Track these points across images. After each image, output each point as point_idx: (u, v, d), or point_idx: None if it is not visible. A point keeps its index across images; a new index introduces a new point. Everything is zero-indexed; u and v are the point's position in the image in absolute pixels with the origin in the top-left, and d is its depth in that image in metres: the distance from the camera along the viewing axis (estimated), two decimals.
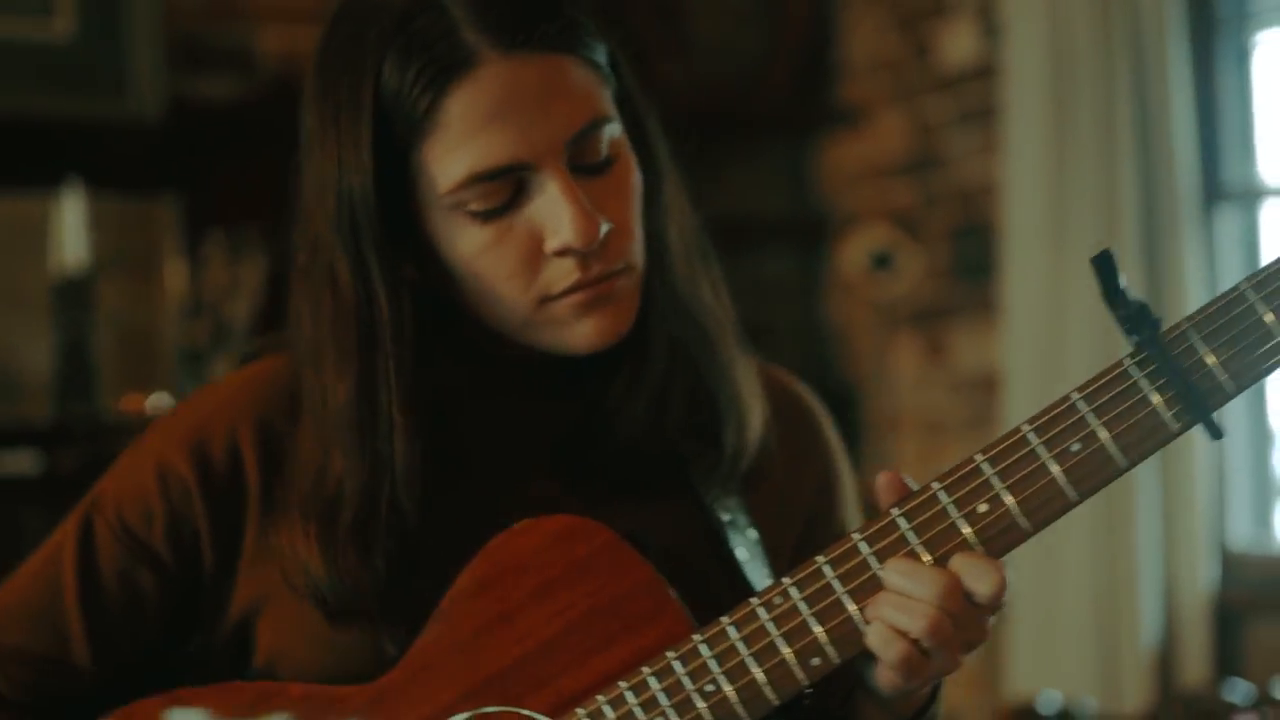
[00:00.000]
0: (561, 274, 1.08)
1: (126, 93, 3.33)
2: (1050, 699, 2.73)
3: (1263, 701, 2.61)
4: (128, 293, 3.41)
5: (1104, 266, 0.97)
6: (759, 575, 1.15)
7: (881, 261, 3.74)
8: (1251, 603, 3.11)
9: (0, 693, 1.14)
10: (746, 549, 1.15)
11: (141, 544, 1.14)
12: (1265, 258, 3.13)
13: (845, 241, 3.86)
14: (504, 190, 1.07)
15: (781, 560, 1.16)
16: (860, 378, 4.11)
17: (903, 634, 0.98)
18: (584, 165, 1.08)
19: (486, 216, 1.08)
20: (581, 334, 1.10)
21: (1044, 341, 3.28)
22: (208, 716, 1.10)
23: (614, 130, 1.10)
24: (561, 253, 1.08)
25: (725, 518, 1.16)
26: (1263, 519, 3.21)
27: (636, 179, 1.12)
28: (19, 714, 1.13)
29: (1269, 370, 0.97)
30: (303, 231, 1.13)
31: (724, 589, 1.11)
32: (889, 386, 4.05)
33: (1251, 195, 3.21)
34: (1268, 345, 0.96)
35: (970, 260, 3.74)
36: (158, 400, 3.14)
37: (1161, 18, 3.08)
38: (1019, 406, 3.34)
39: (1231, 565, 3.16)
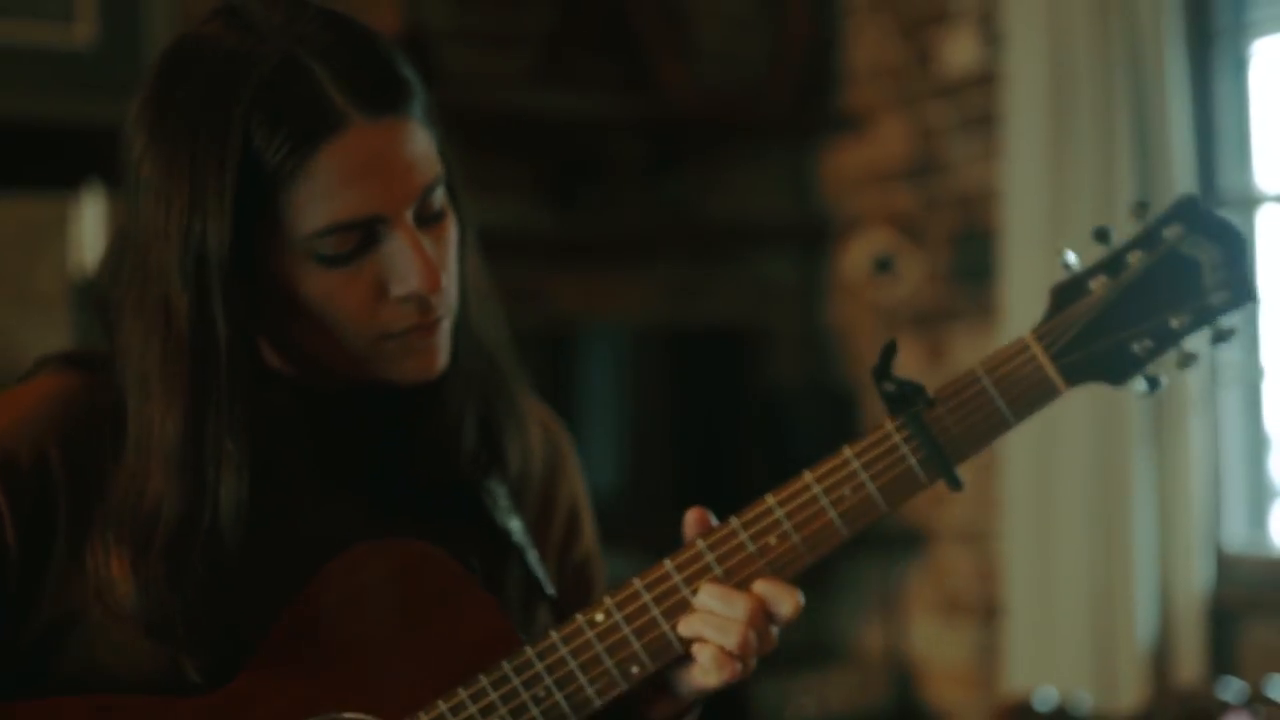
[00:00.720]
0: (401, 316, 1.17)
1: None
2: (1046, 696, 2.78)
3: (1255, 700, 2.65)
4: None
5: (885, 354, 1.18)
6: (548, 587, 1.28)
7: (883, 266, 3.78)
8: (1246, 603, 3.14)
9: None
10: (535, 564, 1.28)
11: None
12: (1262, 263, 3.18)
13: (847, 246, 3.90)
14: (355, 239, 1.15)
15: (547, 577, 1.31)
16: (861, 380, 4.14)
17: (719, 647, 1.14)
18: (424, 217, 1.17)
19: (335, 262, 1.15)
20: (409, 370, 1.20)
21: None
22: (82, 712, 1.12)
23: (443, 182, 1.19)
24: (406, 298, 1.16)
25: (516, 540, 1.27)
26: (1258, 521, 3.24)
27: (455, 228, 1.22)
28: None
29: (996, 436, 1.18)
30: (134, 264, 1.16)
31: (523, 597, 1.25)
32: None
33: (1248, 202, 3.25)
34: (996, 420, 1.17)
35: (970, 265, 3.77)
36: None
37: (1160, 27, 3.11)
38: None
39: (1226, 566, 3.19)
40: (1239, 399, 3.24)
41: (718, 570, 1.16)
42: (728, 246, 4.24)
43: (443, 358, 1.21)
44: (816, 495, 1.17)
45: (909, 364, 3.98)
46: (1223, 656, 3.15)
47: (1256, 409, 3.25)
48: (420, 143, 1.16)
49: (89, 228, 3.18)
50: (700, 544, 1.17)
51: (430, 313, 1.18)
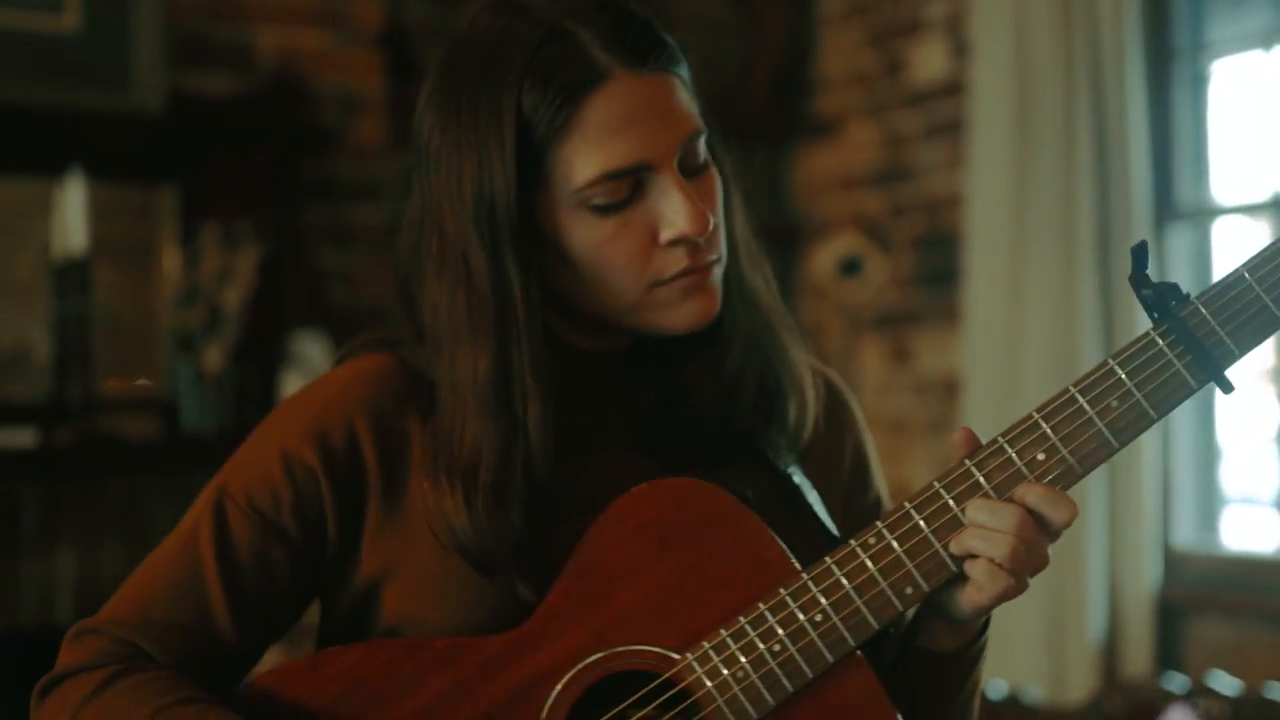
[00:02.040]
0: (672, 261, 1.22)
1: (129, 86, 3.35)
2: (997, 686, 2.86)
3: (1197, 693, 2.73)
4: (125, 278, 3.45)
5: (1139, 256, 1.16)
6: (832, 527, 1.29)
7: (849, 268, 3.85)
8: (1193, 600, 3.21)
9: (155, 659, 1.23)
10: (817, 506, 1.29)
11: (272, 524, 1.24)
12: (1216, 274, 3.27)
13: (815, 248, 3.97)
14: (625, 188, 1.20)
15: (834, 522, 1.32)
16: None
17: (990, 560, 1.15)
18: (688, 168, 1.22)
19: (607, 210, 1.21)
20: (683, 315, 1.24)
21: (1003, 347, 3.39)
22: (360, 669, 1.20)
23: (705, 136, 1.24)
24: (675, 242, 1.21)
25: (796, 480, 1.30)
26: (1207, 523, 3.32)
27: (719, 182, 1.26)
28: (175, 672, 1.22)
29: (1265, 337, 1.15)
30: (430, 233, 1.24)
31: (809, 537, 1.25)
32: (855, 388, 4.16)
33: (1203, 214, 3.33)
34: (1263, 318, 1.14)
35: (935, 269, 3.85)
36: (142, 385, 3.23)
37: (1120, 44, 3.19)
38: (978, 409, 3.45)
39: (1175, 565, 3.27)
40: (1191, 406, 3.32)
41: (986, 487, 1.16)
42: None
43: (717, 302, 1.25)
44: (1082, 407, 1.15)
45: (874, 365, 4.06)
46: (1170, 652, 3.23)
47: (1209, 415, 3.32)
48: (683, 97, 1.22)
49: (71, 212, 3.21)
50: (968, 463, 1.17)
51: (700, 255, 1.22)
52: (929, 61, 3.88)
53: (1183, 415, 3.29)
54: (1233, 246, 3.30)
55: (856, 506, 1.37)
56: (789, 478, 1.30)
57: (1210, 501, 3.33)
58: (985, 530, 1.14)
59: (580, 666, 1.18)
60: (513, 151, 1.18)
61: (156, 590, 1.24)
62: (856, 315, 4.09)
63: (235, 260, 3.34)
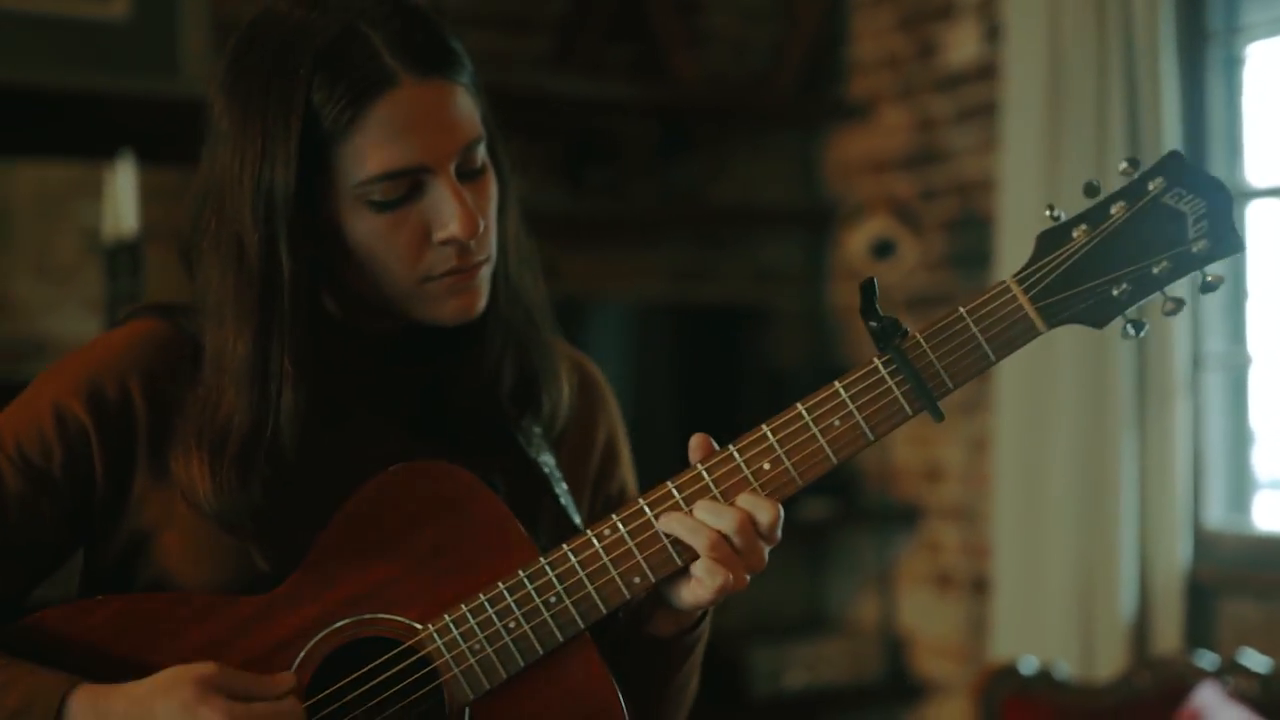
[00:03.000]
0: (442, 259, 1.31)
1: (177, 71, 3.41)
2: (1028, 662, 2.90)
3: (1226, 670, 2.77)
4: (173, 259, 3.53)
5: (866, 291, 1.27)
6: (574, 515, 1.40)
7: (881, 251, 3.88)
8: (1224, 579, 3.25)
9: None
10: (563, 496, 1.40)
11: (40, 474, 1.30)
12: (1250, 256, 3.29)
13: (848, 231, 4.00)
14: (403, 187, 1.29)
15: (581, 508, 1.43)
16: (859, 361, 4.24)
17: (710, 557, 1.25)
18: (466, 172, 1.31)
19: (384, 207, 1.29)
20: (449, 310, 1.34)
21: None
22: (124, 618, 1.27)
23: (484, 143, 1.32)
24: (446, 242, 1.30)
25: (546, 470, 1.40)
26: (1239, 504, 3.34)
27: (494, 186, 1.35)
28: None
29: (978, 373, 1.26)
30: (211, 209, 1.31)
31: (554, 524, 1.36)
32: None
33: (1237, 197, 3.33)
34: (976, 355, 1.26)
35: (967, 251, 3.88)
36: None
37: (1154, 27, 3.21)
38: (1009, 391, 3.49)
39: (1206, 544, 3.30)
40: (1224, 386, 3.35)
41: (715, 491, 1.27)
42: (733, 230, 4.33)
43: (481, 300, 1.34)
44: (807, 424, 1.26)
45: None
46: (1201, 631, 3.26)
47: (1241, 395, 3.35)
48: (464, 105, 1.30)
49: (121, 195, 3.26)
50: (700, 467, 1.28)
51: (469, 256, 1.31)
52: (961, 45, 3.90)
53: (1215, 398, 3.32)
54: (1266, 229, 3.32)
55: (603, 493, 1.49)
56: (539, 466, 1.40)
57: (1242, 483, 3.36)
58: (706, 529, 1.25)
59: (329, 630, 1.28)
60: (297, 143, 1.25)
61: None
62: (889, 297, 4.12)
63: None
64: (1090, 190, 1.28)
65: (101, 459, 1.32)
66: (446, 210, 1.29)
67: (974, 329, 1.25)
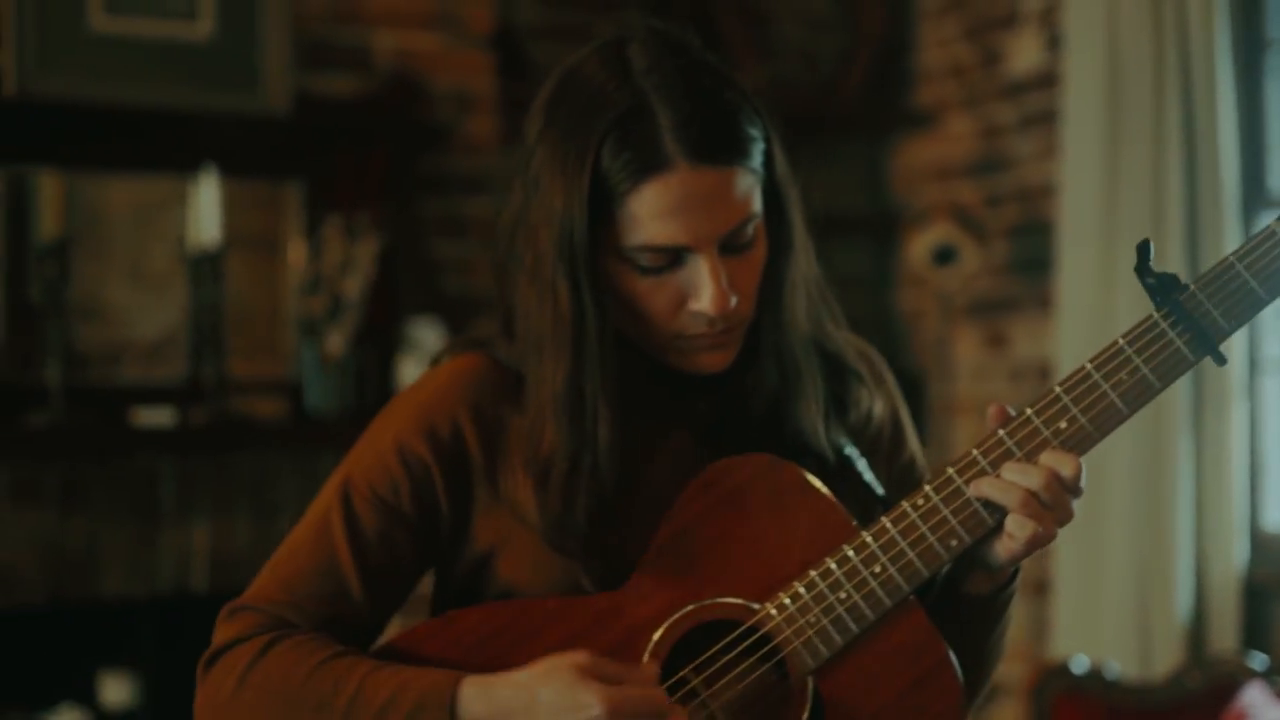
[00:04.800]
0: (694, 324, 1.38)
1: (258, 88, 3.52)
2: (1080, 661, 2.95)
3: (1276, 671, 2.80)
4: (254, 268, 3.63)
5: (1142, 251, 1.34)
6: (879, 490, 1.48)
7: (943, 257, 3.93)
8: None
9: (303, 628, 1.39)
10: (867, 474, 1.47)
11: (393, 509, 1.41)
12: None
13: (912, 237, 4.06)
14: (666, 258, 1.36)
15: (880, 482, 1.51)
16: (926, 365, 4.31)
17: (1021, 514, 1.31)
18: (732, 246, 1.38)
19: (647, 271, 1.37)
20: (700, 363, 1.42)
21: (1094, 333, 3.44)
22: (486, 624, 1.38)
23: (758, 217, 1.39)
24: (697, 313, 1.38)
25: (847, 452, 1.48)
26: None
27: (763, 253, 1.42)
28: (323, 634, 1.40)
29: (1253, 315, 1.33)
30: (526, 240, 1.40)
31: (862, 502, 1.44)
32: (951, 373, 4.26)
33: None
34: (1251, 299, 1.32)
35: (1029, 257, 3.91)
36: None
37: (1211, 35, 3.24)
38: None
39: (1262, 546, 3.32)
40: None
41: (1017, 453, 1.33)
42: None
43: (728, 357, 1.43)
44: (1097, 381, 1.33)
45: (970, 350, 4.14)
46: (1257, 632, 3.28)
47: None
48: (739, 189, 1.36)
49: (204, 207, 3.38)
50: (1001, 433, 1.34)
51: (716, 326, 1.39)
52: (1024, 53, 3.94)
53: (1272, 401, 3.34)
54: None
55: (897, 464, 1.55)
56: (840, 450, 1.47)
57: None
58: (1015, 487, 1.32)
59: (676, 616, 1.36)
60: (586, 196, 1.34)
61: (298, 570, 1.41)
62: (951, 302, 4.17)
63: (356, 251, 3.50)
64: None
65: (444, 489, 1.43)
66: (702, 286, 1.36)
67: (1245, 274, 1.31)
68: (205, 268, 3.40)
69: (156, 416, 3.38)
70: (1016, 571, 1.42)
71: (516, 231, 1.42)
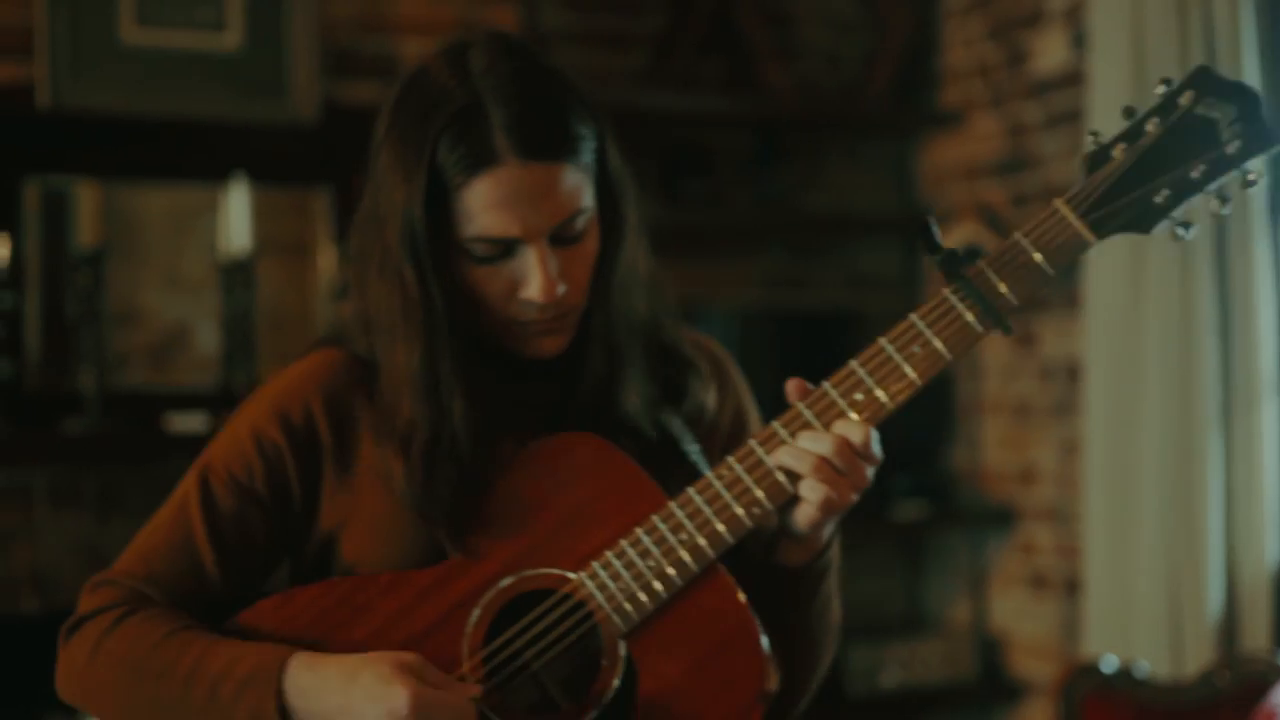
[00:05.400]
0: (526, 310, 1.48)
1: (287, 97, 3.58)
2: (1109, 660, 2.95)
3: None
4: (285, 274, 3.69)
5: (926, 231, 1.42)
6: (705, 469, 1.54)
7: (969, 257, 3.93)
8: None
9: (158, 602, 1.51)
10: (693, 453, 1.56)
11: (247, 491, 1.52)
12: None
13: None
14: (498, 249, 1.45)
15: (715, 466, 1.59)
16: (955, 364, 4.30)
17: (814, 478, 1.41)
18: (563, 237, 1.47)
19: (482, 260, 1.46)
20: (534, 348, 1.52)
21: (1123, 331, 3.45)
22: (323, 598, 1.48)
23: (589, 211, 1.48)
24: (527, 301, 1.46)
25: (675, 432, 1.57)
26: None
27: (595, 244, 1.50)
28: (174, 608, 1.51)
29: (1039, 288, 1.40)
30: (374, 235, 1.49)
31: (687, 478, 1.50)
32: (980, 373, 4.26)
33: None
34: (1035, 273, 1.40)
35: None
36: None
37: (1236, 35, 3.23)
38: (1098, 392, 3.53)
39: None
40: None
41: (816, 424, 1.42)
42: (828, 237, 4.41)
43: (562, 342, 1.53)
44: (891, 354, 1.41)
45: (1000, 349, 4.15)
46: None
47: None
48: (567, 184, 1.45)
49: (235, 214, 3.43)
50: (800, 405, 1.43)
51: (546, 313, 1.48)
52: (1050, 52, 3.94)
53: None
54: None
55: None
56: (666, 429, 1.56)
57: None
58: (808, 453, 1.41)
59: (497, 589, 1.46)
60: (424, 190, 1.42)
61: (158, 548, 1.53)
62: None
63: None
64: (1128, 113, 1.41)
65: (295, 471, 1.53)
66: (531, 276, 1.46)
67: (1030, 249, 1.39)
68: (237, 274, 3.45)
69: (190, 422, 3.42)
70: (830, 542, 1.51)
71: (367, 228, 1.51)
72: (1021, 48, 4.04)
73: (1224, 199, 1.38)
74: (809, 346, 4.19)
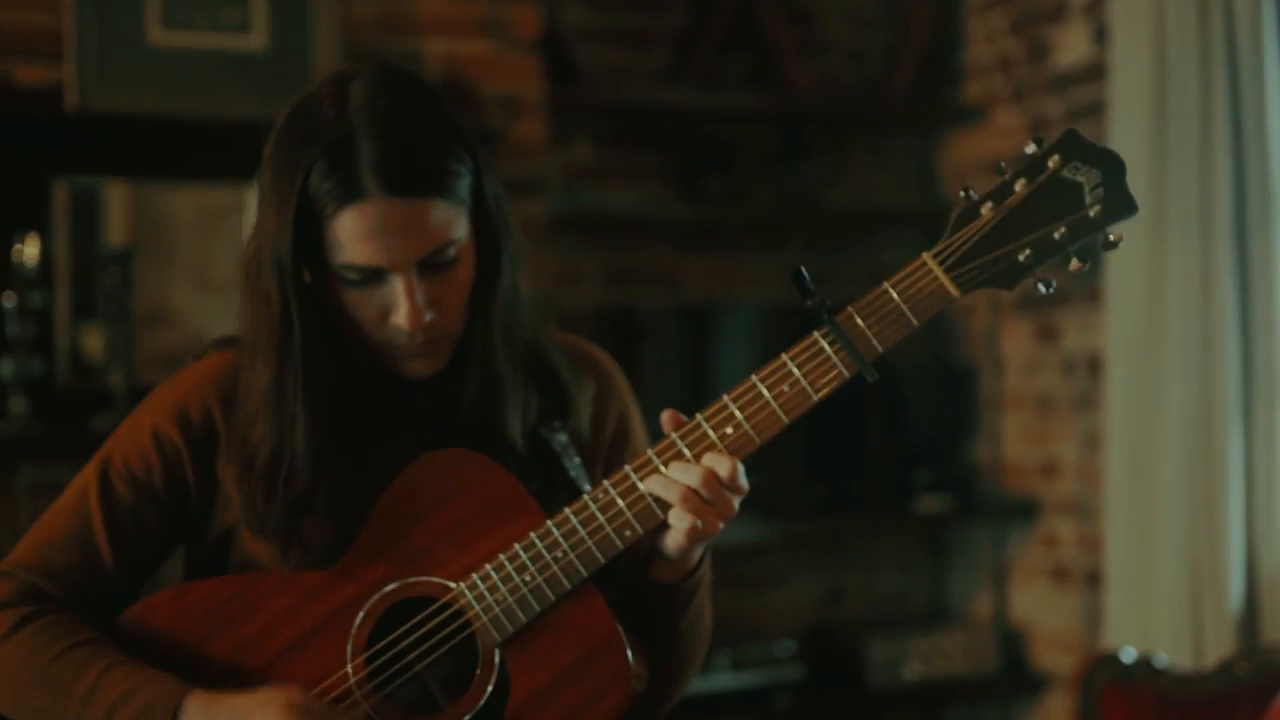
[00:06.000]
0: (397, 335, 1.53)
1: None
2: (1129, 650, 2.96)
3: None
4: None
5: (798, 278, 1.46)
6: (585, 484, 1.61)
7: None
8: None
9: (54, 597, 1.56)
10: (574, 469, 1.64)
11: (145, 485, 1.57)
12: None
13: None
14: (366, 275, 1.50)
15: (597, 476, 1.65)
16: (977, 358, 4.33)
17: (682, 507, 1.47)
18: (433, 264, 1.51)
19: (352, 284, 1.51)
20: (409, 369, 1.57)
21: (1143, 325, 3.46)
22: (216, 594, 1.54)
23: (460, 240, 1.52)
24: (396, 327, 1.51)
25: (557, 448, 1.62)
26: None
27: (469, 272, 1.55)
28: (71, 612, 1.55)
29: (902, 335, 1.46)
30: (252, 254, 1.54)
31: (566, 495, 1.57)
32: (1002, 367, 4.27)
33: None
34: (901, 321, 1.46)
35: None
36: None
37: (1257, 25, 3.24)
38: (1119, 385, 3.54)
39: None
40: None
41: (688, 455, 1.48)
42: (851, 232, 4.43)
43: (435, 364, 1.57)
44: (761, 391, 1.47)
45: (1022, 343, 4.15)
46: None
47: None
48: (435, 218, 1.49)
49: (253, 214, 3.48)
50: (674, 436, 1.49)
51: (416, 338, 1.53)
52: (1071, 46, 3.95)
53: None
54: None
55: (619, 461, 1.68)
56: (547, 447, 1.62)
57: None
58: (676, 483, 1.47)
59: (381, 594, 1.52)
60: (293, 218, 1.47)
61: (55, 539, 1.58)
62: (1001, 296, 4.17)
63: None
64: (998, 170, 1.45)
65: (192, 468, 1.59)
66: (398, 304, 1.51)
67: (897, 299, 1.45)
68: None
69: None
70: (700, 562, 1.57)
71: (249, 245, 1.55)
72: (1043, 42, 4.05)
73: (1084, 259, 1.43)
74: None
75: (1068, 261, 1.44)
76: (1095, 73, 3.82)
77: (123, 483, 1.58)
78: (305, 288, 1.51)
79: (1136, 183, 3.42)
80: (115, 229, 3.51)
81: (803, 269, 1.48)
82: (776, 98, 4.16)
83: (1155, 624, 3.43)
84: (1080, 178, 1.42)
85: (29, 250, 3.27)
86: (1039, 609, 4.12)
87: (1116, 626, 3.54)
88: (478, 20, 3.83)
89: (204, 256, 3.64)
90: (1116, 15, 3.57)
